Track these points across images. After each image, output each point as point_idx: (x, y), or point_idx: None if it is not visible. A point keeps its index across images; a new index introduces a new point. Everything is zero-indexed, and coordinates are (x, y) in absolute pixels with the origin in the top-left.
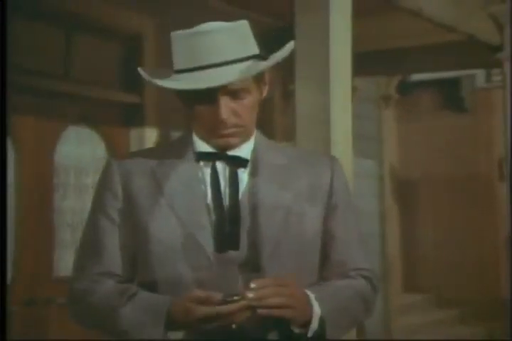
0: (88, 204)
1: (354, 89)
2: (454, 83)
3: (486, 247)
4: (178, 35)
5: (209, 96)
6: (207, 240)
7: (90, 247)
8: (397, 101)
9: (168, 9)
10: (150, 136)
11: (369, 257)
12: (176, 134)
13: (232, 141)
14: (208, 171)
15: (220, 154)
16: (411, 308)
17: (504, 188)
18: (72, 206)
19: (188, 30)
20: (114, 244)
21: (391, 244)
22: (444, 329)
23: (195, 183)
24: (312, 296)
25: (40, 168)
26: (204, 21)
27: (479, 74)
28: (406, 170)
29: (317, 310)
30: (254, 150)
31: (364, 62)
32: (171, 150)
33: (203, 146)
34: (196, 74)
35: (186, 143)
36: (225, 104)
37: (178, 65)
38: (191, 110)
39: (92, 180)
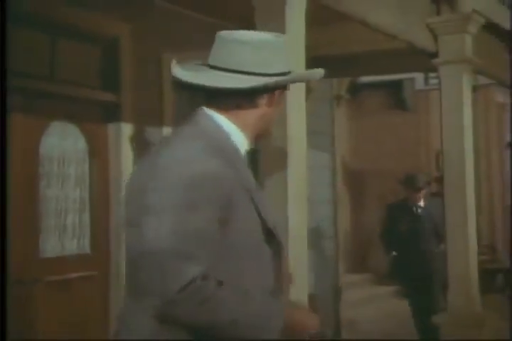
0: (70, 192)
1: (310, 89)
2: (397, 85)
3: None
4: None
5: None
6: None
7: (198, 242)
8: (348, 101)
9: (142, 16)
10: (126, 132)
11: None
12: (150, 130)
13: None
14: None
15: None
16: (357, 285)
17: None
18: (56, 194)
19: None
20: (214, 249)
21: (342, 227)
22: (381, 302)
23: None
24: None
25: (27, 159)
26: (169, 26)
27: (418, 77)
28: (355, 162)
29: None
30: None
31: (319, 66)
32: (232, 158)
33: None
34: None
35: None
36: None
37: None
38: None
39: (74, 170)
